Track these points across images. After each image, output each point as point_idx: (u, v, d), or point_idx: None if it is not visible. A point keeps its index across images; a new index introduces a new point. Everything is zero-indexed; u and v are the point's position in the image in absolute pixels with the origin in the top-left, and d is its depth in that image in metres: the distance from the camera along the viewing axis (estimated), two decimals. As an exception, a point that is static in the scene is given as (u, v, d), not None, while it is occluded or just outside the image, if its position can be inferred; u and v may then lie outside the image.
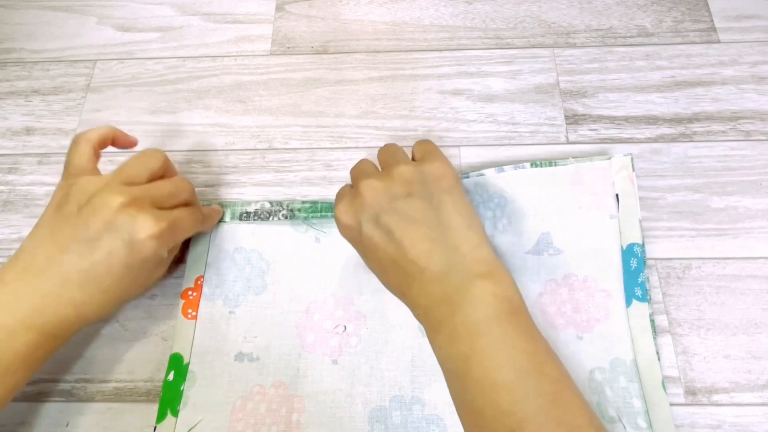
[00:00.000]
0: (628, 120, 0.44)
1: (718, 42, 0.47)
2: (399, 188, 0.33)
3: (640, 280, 0.37)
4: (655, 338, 0.36)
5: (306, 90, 0.47)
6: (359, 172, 0.36)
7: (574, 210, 0.39)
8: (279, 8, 0.51)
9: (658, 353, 0.35)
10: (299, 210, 0.41)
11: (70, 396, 0.36)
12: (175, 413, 0.35)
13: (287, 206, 0.41)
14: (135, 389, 0.37)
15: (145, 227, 0.30)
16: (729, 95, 0.44)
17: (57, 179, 0.44)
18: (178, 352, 0.37)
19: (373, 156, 0.43)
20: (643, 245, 0.38)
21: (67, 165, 0.34)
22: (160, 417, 0.35)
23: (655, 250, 0.39)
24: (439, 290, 0.30)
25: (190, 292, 0.39)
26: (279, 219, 0.41)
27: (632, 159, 0.40)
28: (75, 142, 0.35)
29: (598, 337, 0.36)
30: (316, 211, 0.41)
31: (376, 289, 0.38)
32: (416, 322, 0.37)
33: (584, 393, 0.34)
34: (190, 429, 0.35)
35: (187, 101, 0.47)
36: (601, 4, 0.49)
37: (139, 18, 0.51)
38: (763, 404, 0.35)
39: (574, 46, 0.47)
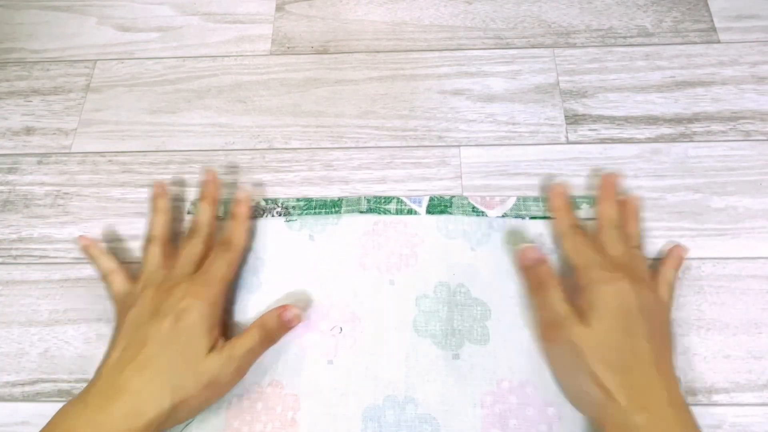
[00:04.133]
0: (628, 120, 0.44)
1: (718, 42, 0.47)
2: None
3: None
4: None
5: (306, 90, 0.47)
6: (589, 261, 0.35)
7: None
8: (279, 8, 0.51)
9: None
10: (294, 207, 0.41)
11: (70, 396, 0.36)
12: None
13: (282, 204, 0.41)
14: (134, 389, 0.36)
15: (187, 292, 0.34)
16: (729, 95, 0.44)
17: (56, 179, 0.44)
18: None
19: (374, 155, 0.43)
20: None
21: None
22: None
23: (655, 250, 0.39)
24: None
25: (189, 292, 0.39)
26: (273, 216, 0.41)
27: None
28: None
29: None
30: (310, 208, 0.41)
31: (371, 289, 0.38)
32: (411, 324, 0.37)
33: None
34: (187, 425, 0.35)
35: (187, 101, 0.47)
36: (601, 4, 0.49)
37: (139, 18, 0.51)
38: (763, 404, 0.34)
39: (574, 46, 0.47)
